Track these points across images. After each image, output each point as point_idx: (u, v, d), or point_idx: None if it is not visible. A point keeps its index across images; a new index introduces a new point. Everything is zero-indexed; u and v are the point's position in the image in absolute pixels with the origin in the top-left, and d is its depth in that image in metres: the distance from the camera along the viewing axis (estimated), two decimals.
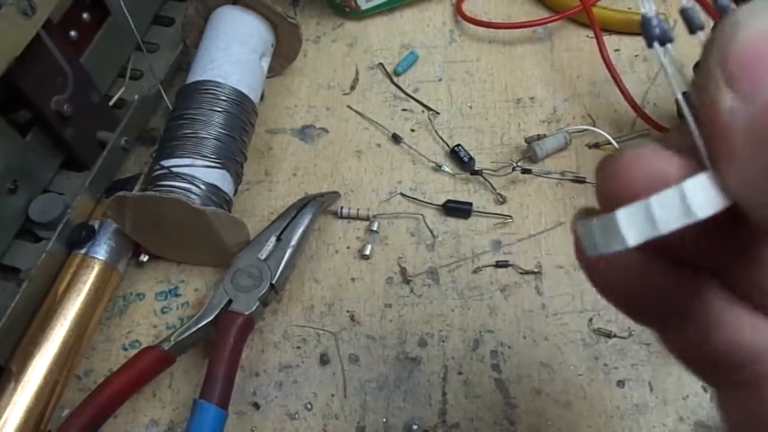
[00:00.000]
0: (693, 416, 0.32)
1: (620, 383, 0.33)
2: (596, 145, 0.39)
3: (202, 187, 0.33)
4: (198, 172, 0.33)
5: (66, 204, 0.35)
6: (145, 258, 0.37)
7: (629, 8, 0.46)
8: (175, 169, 0.33)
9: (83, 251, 0.34)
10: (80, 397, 0.32)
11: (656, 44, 0.15)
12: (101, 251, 0.34)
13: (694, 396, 0.32)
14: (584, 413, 0.32)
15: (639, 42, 0.45)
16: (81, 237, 0.34)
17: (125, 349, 0.35)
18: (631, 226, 0.13)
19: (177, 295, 0.36)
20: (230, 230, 0.33)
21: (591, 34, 0.43)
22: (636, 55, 0.44)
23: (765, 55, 0.12)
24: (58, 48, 0.33)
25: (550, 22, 0.44)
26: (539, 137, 0.39)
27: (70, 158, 0.37)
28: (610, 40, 0.44)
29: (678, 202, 0.13)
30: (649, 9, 0.14)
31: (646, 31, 0.15)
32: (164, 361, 0.32)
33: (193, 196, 0.32)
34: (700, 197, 0.13)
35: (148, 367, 0.32)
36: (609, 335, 0.34)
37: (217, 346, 0.31)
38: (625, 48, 0.44)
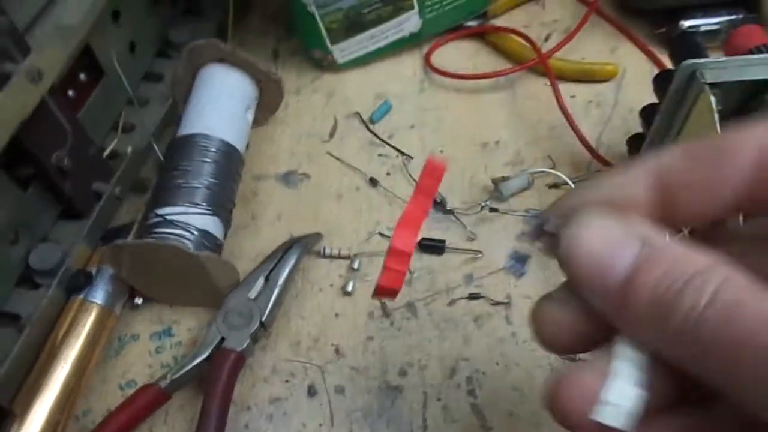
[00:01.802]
0: None
1: None
2: (555, 186, 0.43)
3: (195, 233, 0.36)
4: (191, 219, 0.36)
5: (64, 252, 0.37)
6: (139, 300, 0.39)
7: (583, 58, 0.50)
8: (169, 217, 0.36)
9: (81, 296, 0.36)
10: None
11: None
12: (99, 295, 0.36)
13: None
14: None
15: (592, 89, 0.49)
16: (79, 282, 0.36)
17: (122, 389, 0.37)
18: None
19: (170, 335, 0.38)
20: (222, 273, 0.36)
21: (549, 82, 0.47)
22: (590, 101, 0.48)
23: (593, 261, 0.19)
24: (59, 108, 0.35)
25: (511, 72, 0.48)
26: (504, 179, 0.42)
27: (68, 209, 0.39)
28: (567, 88, 0.49)
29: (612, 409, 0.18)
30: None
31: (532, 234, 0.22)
32: (161, 398, 0.34)
33: (187, 242, 0.35)
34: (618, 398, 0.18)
35: (145, 404, 0.34)
36: (573, 359, 0.37)
37: (211, 382, 0.33)
38: (580, 95, 0.49)
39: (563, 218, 0.20)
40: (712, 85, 0.33)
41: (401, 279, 0.26)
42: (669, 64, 0.42)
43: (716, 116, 0.33)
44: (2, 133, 0.30)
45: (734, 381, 0.17)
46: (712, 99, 0.33)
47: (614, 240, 0.19)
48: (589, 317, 0.20)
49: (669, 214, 0.21)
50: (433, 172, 0.26)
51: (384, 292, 0.26)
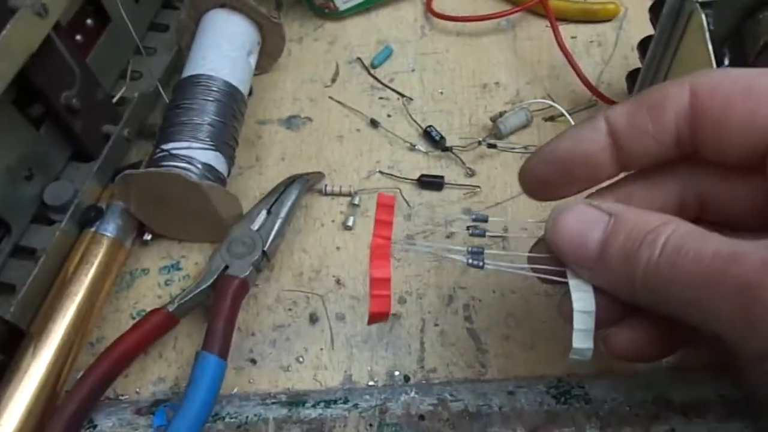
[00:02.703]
0: None
1: None
2: (551, 118, 0.43)
3: (199, 166, 0.37)
4: (195, 153, 0.37)
5: (76, 189, 0.39)
6: (149, 237, 0.40)
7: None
8: (174, 151, 0.37)
9: (93, 229, 0.38)
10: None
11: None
12: (110, 228, 0.38)
13: None
14: (548, 354, 0.35)
15: (594, 29, 0.49)
16: (90, 217, 0.38)
17: (133, 318, 0.38)
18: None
19: (179, 269, 0.40)
20: (225, 203, 0.37)
21: (549, 24, 0.47)
22: (591, 41, 0.48)
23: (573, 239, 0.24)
24: (67, 48, 0.37)
25: (511, 14, 0.48)
26: (501, 114, 0.43)
27: (79, 150, 0.41)
28: (568, 29, 0.49)
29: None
30: None
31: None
32: (169, 321, 0.36)
33: (191, 173, 0.36)
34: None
35: (154, 327, 0.35)
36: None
37: (216, 305, 0.35)
38: (581, 35, 0.49)
39: (545, 163, 0.26)
40: (704, 5, 0.33)
41: (389, 302, 0.29)
42: None
43: (707, 37, 0.33)
44: (10, 64, 0.32)
45: (692, 316, 0.21)
46: (704, 19, 0.33)
47: (587, 220, 0.24)
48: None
49: (621, 158, 0.25)
50: (384, 207, 0.29)
51: (376, 317, 0.29)
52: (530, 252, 0.28)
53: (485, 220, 0.30)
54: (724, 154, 0.23)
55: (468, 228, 0.30)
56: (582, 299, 0.24)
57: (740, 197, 0.24)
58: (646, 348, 0.25)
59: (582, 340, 0.25)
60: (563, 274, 0.25)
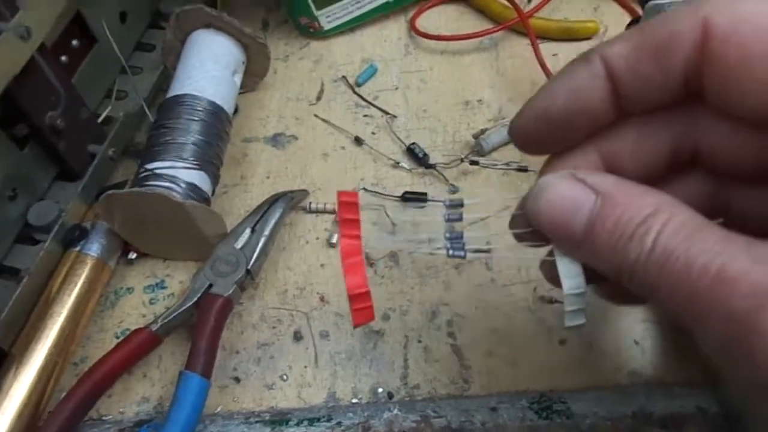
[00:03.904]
0: (627, 366, 0.35)
1: (562, 342, 0.37)
2: None
3: (183, 185, 0.37)
4: (178, 172, 0.37)
5: (60, 209, 0.39)
6: (133, 256, 0.40)
7: (565, 18, 0.51)
8: (158, 171, 0.37)
9: (77, 249, 0.38)
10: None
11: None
12: (94, 248, 0.38)
13: (628, 349, 0.36)
14: (530, 369, 0.36)
15: (575, 47, 0.50)
16: (74, 236, 0.38)
17: (117, 337, 0.38)
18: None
19: (163, 288, 0.40)
20: (209, 222, 0.37)
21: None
22: (572, 59, 0.49)
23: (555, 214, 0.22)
24: (51, 69, 0.37)
25: (493, 32, 0.49)
26: (483, 132, 0.43)
27: (64, 170, 0.41)
28: (549, 47, 0.49)
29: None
30: None
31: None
32: (152, 341, 0.36)
33: (174, 192, 0.36)
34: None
35: (137, 347, 0.35)
36: (551, 301, 0.38)
37: (200, 324, 0.35)
38: (562, 53, 0.49)
39: (541, 122, 0.23)
40: None
41: (371, 311, 0.29)
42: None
43: None
44: None
45: (682, 323, 0.19)
46: None
47: (572, 199, 0.21)
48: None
49: (621, 104, 0.22)
50: (348, 205, 0.28)
51: (361, 324, 0.30)
52: (511, 226, 0.26)
53: (461, 205, 0.27)
54: (736, 108, 0.21)
55: (445, 214, 0.27)
56: (571, 279, 0.23)
57: (744, 150, 0.22)
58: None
59: (574, 318, 0.23)
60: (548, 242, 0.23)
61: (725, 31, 0.19)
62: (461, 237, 0.26)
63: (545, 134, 0.24)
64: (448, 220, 0.27)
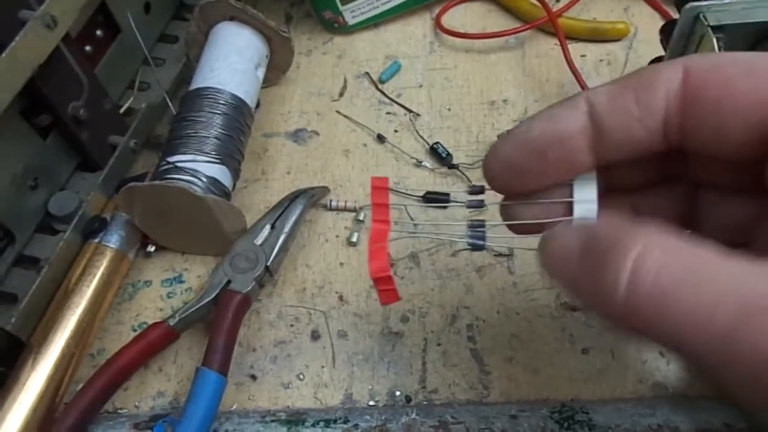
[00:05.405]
0: (651, 378, 0.35)
1: (584, 351, 0.36)
2: None
3: (204, 179, 0.37)
4: (200, 166, 0.37)
5: (81, 200, 0.39)
6: (152, 249, 0.40)
7: (594, 18, 0.50)
8: (179, 164, 0.37)
9: (96, 240, 0.38)
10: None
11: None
12: (113, 240, 0.38)
13: (653, 360, 0.35)
14: (552, 377, 0.35)
15: (603, 48, 0.49)
16: (94, 228, 0.38)
17: (134, 330, 0.38)
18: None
19: (181, 282, 0.40)
20: (229, 218, 0.37)
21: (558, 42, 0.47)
22: (601, 60, 0.48)
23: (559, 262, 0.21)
24: (75, 59, 0.37)
25: (520, 31, 0.48)
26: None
27: (85, 160, 0.41)
28: (578, 47, 0.48)
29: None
30: None
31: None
32: (169, 335, 0.35)
33: (195, 186, 0.36)
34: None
35: (154, 341, 0.35)
36: (574, 309, 0.37)
37: (217, 321, 0.35)
38: (591, 53, 0.48)
39: (516, 145, 0.23)
40: (716, 28, 0.32)
41: (396, 293, 0.29)
42: None
43: None
44: (18, 75, 0.32)
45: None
46: (715, 42, 0.32)
47: (570, 248, 0.21)
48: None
49: (600, 145, 0.22)
50: (379, 190, 0.29)
51: (388, 303, 0.30)
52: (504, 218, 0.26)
53: (481, 191, 0.28)
54: (719, 140, 0.21)
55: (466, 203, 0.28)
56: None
57: (723, 169, 0.23)
58: None
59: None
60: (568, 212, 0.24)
61: (706, 67, 0.20)
62: (483, 226, 0.27)
63: (520, 160, 0.23)
64: (468, 207, 0.28)
